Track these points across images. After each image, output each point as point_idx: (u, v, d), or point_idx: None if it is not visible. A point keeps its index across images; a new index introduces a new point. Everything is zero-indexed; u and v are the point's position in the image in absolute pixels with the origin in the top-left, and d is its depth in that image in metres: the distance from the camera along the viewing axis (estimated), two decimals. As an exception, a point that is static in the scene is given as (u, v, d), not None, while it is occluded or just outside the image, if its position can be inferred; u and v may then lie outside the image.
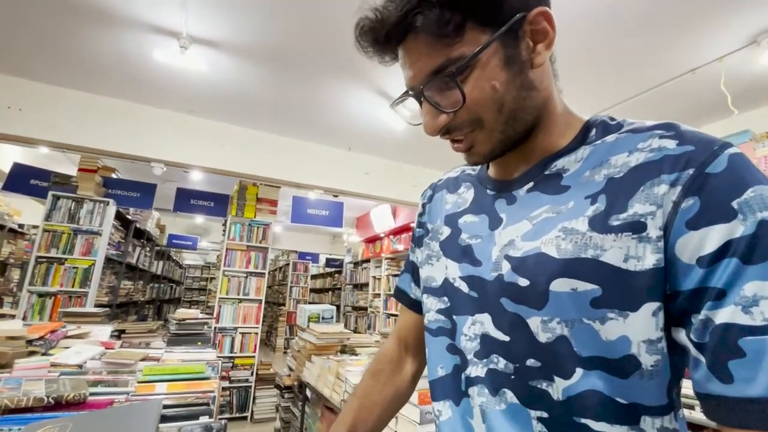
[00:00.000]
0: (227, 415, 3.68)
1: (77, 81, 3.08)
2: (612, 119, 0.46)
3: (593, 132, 0.45)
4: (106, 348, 1.46)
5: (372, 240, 6.87)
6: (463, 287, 0.48)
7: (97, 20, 2.35)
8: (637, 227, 0.36)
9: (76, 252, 3.38)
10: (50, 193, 3.39)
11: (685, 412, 1.34)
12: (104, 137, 3.22)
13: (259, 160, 3.77)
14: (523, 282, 0.41)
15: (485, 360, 0.44)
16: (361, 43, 0.43)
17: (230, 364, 3.75)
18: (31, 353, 1.33)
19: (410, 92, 0.45)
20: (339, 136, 3.82)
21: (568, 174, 0.43)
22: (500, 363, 0.43)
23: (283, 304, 8.14)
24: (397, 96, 0.48)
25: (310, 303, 7.95)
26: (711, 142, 0.37)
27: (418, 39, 0.40)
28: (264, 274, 4.03)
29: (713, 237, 0.33)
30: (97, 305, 3.45)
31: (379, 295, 6.22)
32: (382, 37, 0.41)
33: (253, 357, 3.85)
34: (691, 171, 0.35)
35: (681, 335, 0.36)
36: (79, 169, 3.61)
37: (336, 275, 9.02)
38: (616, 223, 0.37)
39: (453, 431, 0.47)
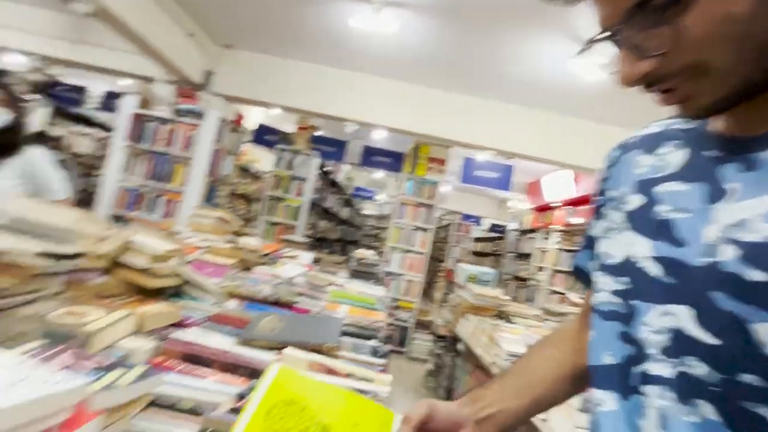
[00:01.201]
0: (389, 347, 4.23)
1: (294, 51, 3.77)
2: None
3: None
4: (308, 270, 1.86)
5: (543, 209, 6.32)
6: (653, 270, 0.39)
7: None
8: None
9: (292, 193, 4.35)
10: (277, 146, 4.40)
11: None
12: (313, 100, 3.90)
13: (435, 120, 3.87)
14: (759, 276, 0.31)
15: (676, 360, 0.36)
16: None
17: (395, 305, 4.25)
18: (263, 264, 1.82)
19: (605, 33, 0.35)
20: (519, 91, 3.53)
21: None
22: (699, 369, 0.35)
23: (443, 261, 8.51)
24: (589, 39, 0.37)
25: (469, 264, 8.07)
26: None
27: None
28: (429, 229, 4.27)
29: None
30: (303, 236, 4.41)
31: (543, 268, 5.78)
32: None
33: (414, 302, 4.24)
34: None
35: None
36: (299, 128, 4.55)
37: (498, 241, 8.80)
38: None
39: (615, 427, 0.42)
